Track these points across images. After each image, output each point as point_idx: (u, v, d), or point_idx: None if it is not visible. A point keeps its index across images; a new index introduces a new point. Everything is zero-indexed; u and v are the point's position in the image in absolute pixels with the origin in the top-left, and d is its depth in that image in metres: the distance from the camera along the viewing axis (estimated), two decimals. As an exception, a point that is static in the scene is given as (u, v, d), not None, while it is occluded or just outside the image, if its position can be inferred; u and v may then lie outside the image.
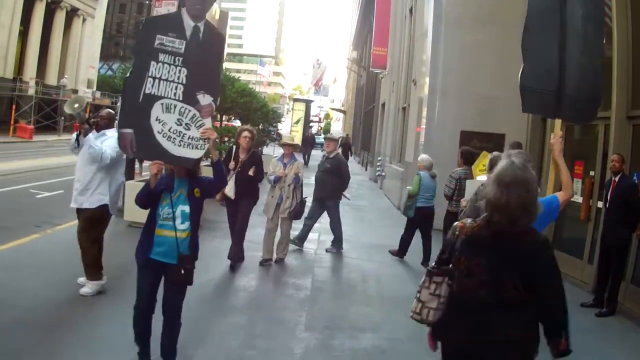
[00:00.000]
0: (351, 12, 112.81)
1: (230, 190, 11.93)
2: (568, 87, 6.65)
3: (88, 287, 9.45)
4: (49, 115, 56.44)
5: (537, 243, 4.27)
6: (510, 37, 16.94)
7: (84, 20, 69.77)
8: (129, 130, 6.78)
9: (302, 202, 13.32)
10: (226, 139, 23.07)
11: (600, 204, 12.14)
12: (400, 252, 14.40)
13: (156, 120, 6.75)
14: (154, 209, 6.83)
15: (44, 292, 9.27)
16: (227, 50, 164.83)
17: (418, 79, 22.88)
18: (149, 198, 6.83)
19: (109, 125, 9.92)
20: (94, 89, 73.90)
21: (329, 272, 12.85)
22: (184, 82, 6.82)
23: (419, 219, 13.92)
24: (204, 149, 6.83)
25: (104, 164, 9.42)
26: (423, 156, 14.65)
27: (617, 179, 10.96)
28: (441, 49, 19.37)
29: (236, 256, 12.27)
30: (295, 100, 69.52)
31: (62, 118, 54.39)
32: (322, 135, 73.62)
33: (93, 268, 9.53)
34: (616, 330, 10.27)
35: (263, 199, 13.06)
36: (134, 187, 15.16)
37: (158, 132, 6.73)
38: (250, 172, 12.03)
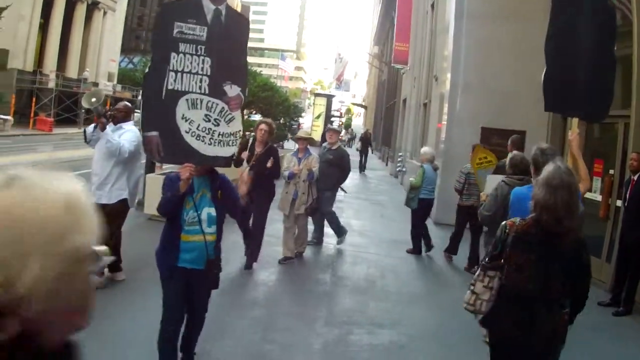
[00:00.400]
0: (373, 7, 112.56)
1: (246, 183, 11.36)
2: (583, 90, 7.37)
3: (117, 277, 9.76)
4: (69, 108, 56.81)
5: (579, 243, 4.75)
6: (531, 33, 16.99)
7: (104, 13, 70.06)
8: (154, 133, 6.21)
9: (318, 199, 13.04)
10: (247, 133, 23.16)
11: (619, 203, 12.10)
12: (427, 246, 14.68)
13: (182, 118, 6.18)
14: (176, 214, 6.34)
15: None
16: (248, 44, 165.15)
17: (439, 74, 22.88)
18: (176, 206, 6.27)
19: (126, 119, 10.02)
20: (115, 82, 74.10)
21: (348, 267, 12.89)
22: (209, 73, 6.26)
23: (422, 210, 14.38)
24: (236, 144, 6.48)
25: (122, 158, 9.48)
26: (426, 149, 15.51)
27: (636, 178, 10.91)
28: (463, 45, 19.35)
29: (253, 258, 11.90)
30: (317, 95, 69.38)
31: (82, 111, 54.60)
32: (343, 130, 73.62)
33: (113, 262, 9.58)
34: (633, 329, 10.23)
35: (278, 196, 12.82)
36: (154, 180, 15.27)
37: (186, 131, 6.19)
38: (269, 164, 11.61)
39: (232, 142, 6.39)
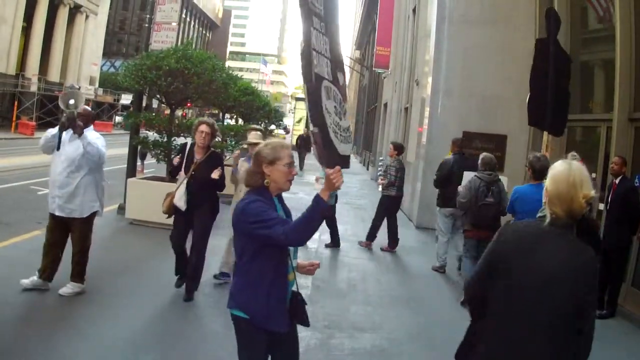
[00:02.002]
0: (354, 11, 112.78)
1: (180, 199, 9.67)
2: (550, 111, 10.41)
3: (69, 288, 9.26)
4: (51, 111, 56.38)
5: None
6: (513, 38, 17.09)
7: (87, 17, 70.08)
8: (315, 130, 4.74)
9: None
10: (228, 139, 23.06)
11: (601, 206, 12.14)
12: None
13: (325, 109, 4.90)
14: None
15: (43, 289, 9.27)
16: (230, 48, 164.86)
17: (421, 79, 22.87)
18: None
19: (87, 125, 9.15)
20: (97, 85, 74.16)
21: (329, 271, 12.83)
22: (329, 56, 5.19)
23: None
24: (351, 141, 5.30)
25: (100, 163, 9.25)
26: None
27: (617, 181, 11.01)
28: (444, 49, 19.35)
29: (192, 290, 9.94)
30: (298, 99, 69.53)
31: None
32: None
33: (83, 271, 9.43)
34: (616, 332, 10.26)
35: (224, 215, 10.97)
36: (136, 184, 15.19)
37: (328, 125, 4.89)
38: (214, 174, 9.54)
39: (350, 139, 5.24)
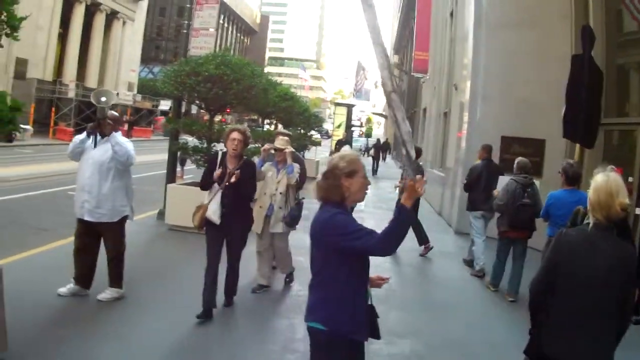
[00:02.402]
0: (392, 16, 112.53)
1: (214, 212, 9.13)
2: (582, 126, 10.74)
3: (107, 293, 9.36)
4: (88, 117, 56.76)
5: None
6: (550, 41, 16.98)
7: (124, 23, 70.96)
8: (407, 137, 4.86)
9: (300, 204, 11.07)
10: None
11: (638, 211, 12.05)
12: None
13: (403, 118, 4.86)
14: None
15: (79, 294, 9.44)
16: (268, 53, 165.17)
17: (459, 83, 22.83)
18: None
19: (114, 130, 9.19)
20: (135, 91, 74.72)
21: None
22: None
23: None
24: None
25: (129, 164, 9.23)
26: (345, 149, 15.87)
27: (656, 185, 10.86)
28: (482, 53, 19.30)
29: (231, 295, 9.90)
30: (337, 104, 69.52)
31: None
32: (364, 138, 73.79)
33: (121, 276, 9.50)
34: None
35: None
36: (175, 190, 15.33)
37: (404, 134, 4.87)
38: (233, 178, 8.98)
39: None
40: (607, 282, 4.69)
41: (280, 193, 10.64)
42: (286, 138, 10.96)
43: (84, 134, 9.17)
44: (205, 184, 9.39)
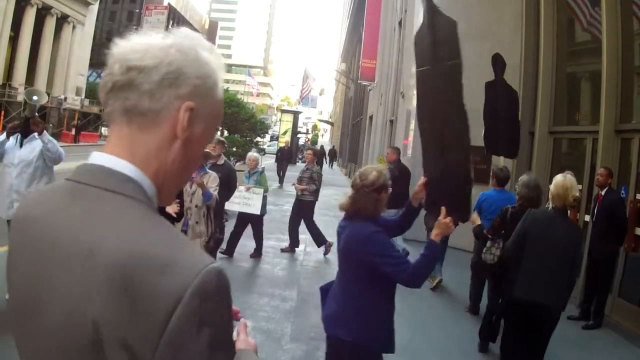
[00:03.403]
0: (340, 24, 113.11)
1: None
2: (503, 139, 11.74)
3: None
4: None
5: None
6: (499, 52, 17.06)
7: (74, 27, 69.98)
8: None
9: (221, 227, 10.68)
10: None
11: (587, 218, 12.18)
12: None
13: None
14: None
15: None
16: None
17: (406, 91, 22.86)
18: None
19: (45, 129, 9.07)
20: (83, 96, 73.87)
21: (315, 283, 12.74)
22: None
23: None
24: None
25: (59, 161, 9.04)
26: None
27: (603, 193, 11.03)
28: (430, 62, 19.34)
29: None
30: (283, 111, 69.67)
31: (51, 125, 54.37)
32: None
33: None
34: (603, 343, 10.29)
35: None
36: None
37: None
38: (169, 209, 7.91)
39: None
40: (564, 247, 6.77)
41: (196, 206, 9.37)
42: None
43: (3, 135, 8.96)
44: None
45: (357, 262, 4.96)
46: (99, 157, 1.59)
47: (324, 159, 55.96)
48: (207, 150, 10.30)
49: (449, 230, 4.96)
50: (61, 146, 8.98)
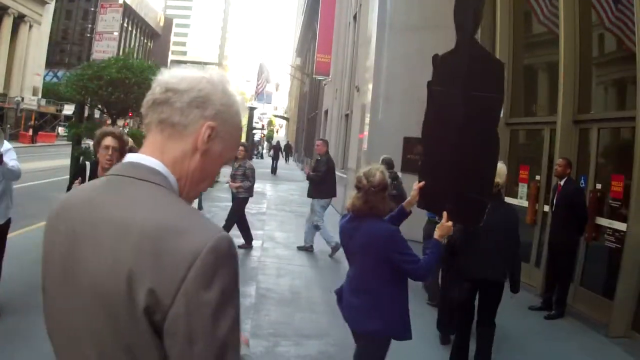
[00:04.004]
0: (295, 19, 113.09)
1: None
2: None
3: None
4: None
5: None
6: (454, 43, 17.03)
7: (30, 26, 69.37)
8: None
9: None
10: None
11: (546, 208, 12.22)
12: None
13: None
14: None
15: None
16: (171, 56, 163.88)
17: (361, 85, 22.83)
18: None
19: None
20: (39, 96, 73.24)
21: (273, 279, 12.63)
22: None
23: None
24: None
25: (19, 177, 8.40)
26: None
27: (562, 183, 11.08)
28: (385, 56, 19.30)
29: None
30: (241, 107, 69.51)
31: (8, 126, 53.80)
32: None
33: None
34: (566, 331, 10.34)
35: None
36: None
37: None
38: None
39: None
40: (503, 229, 7.51)
41: None
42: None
43: None
44: None
45: (378, 257, 5.41)
46: (135, 157, 2.03)
47: (280, 154, 57.28)
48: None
49: (449, 232, 5.65)
50: (19, 147, 8.52)
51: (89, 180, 6.83)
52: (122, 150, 6.95)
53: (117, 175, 1.99)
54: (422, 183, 5.91)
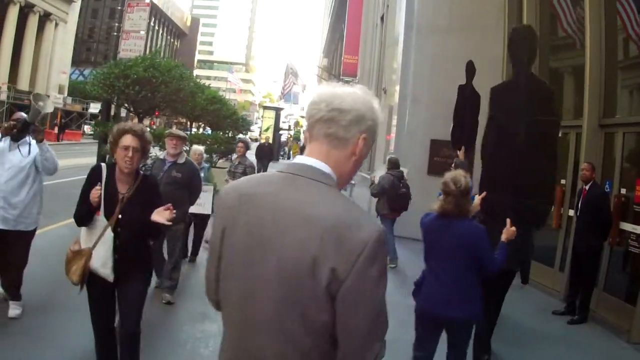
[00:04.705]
0: (322, 20, 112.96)
1: (104, 263, 5.76)
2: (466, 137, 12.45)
3: (18, 308, 8.34)
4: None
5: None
6: (482, 45, 17.00)
7: (56, 25, 69.52)
8: None
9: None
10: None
11: (571, 212, 12.18)
12: None
13: None
14: None
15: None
16: (197, 56, 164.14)
17: (388, 87, 22.88)
18: None
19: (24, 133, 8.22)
20: (65, 94, 73.35)
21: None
22: None
23: None
24: None
25: (55, 172, 8.48)
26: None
27: (587, 188, 11.05)
28: (412, 57, 19.32)
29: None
30: (265, 107, 69.51)
31: (43, 129, 54.07)
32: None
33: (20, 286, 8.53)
34: (589, 337, 10.28)
35: None
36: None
37: None
38: (162, 217, 5.76)
39: None
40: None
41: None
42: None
43: None
44: (82, 216, 5.94)
45: (470, 251, 6.15)
46: (305, 159, 2.65)
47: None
48: (169, 146, 9.90)
49: (513, 235, 6.63)
50: None
51: (106, 184, 5.82)
52: (144, 150, 5.99)
53: (293, 174, 2.61)
54: (484, 194, 7.15)
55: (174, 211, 5.84)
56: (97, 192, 5.71)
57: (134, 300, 6.03)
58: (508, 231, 6.65)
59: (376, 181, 15.49)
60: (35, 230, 8.53)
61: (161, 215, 5.77)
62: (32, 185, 8.34)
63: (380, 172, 17.25)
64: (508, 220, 6.71)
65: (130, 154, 5.72)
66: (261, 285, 2.53)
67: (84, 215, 5.88)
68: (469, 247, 6.17)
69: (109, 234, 5.76)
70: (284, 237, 2.47)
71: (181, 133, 10.44)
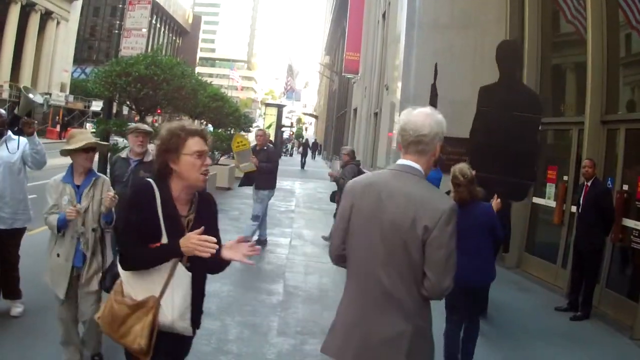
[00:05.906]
0: (324, 17, 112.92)
1: (182, 315, 4.23)
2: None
3: (19, 307, 8.45)
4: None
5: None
6: (483, 42, 17.00)
7: (58, 23, 69.67)
8: None
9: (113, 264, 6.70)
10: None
11: (573, 209, 12.17)
12: None
13: None
14: None
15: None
16: (199, 54, 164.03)
17: (390, 84, 22.84)
18: None
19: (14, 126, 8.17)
20: (67, 92, 73.44)
21: (301, 277, 12.67)
22: None
23: None
24: None
25: (44, 165, 8.32)
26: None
27: (589, 184, 11.07)
28: (414, 54, 19.29)
29: None
30: (267, 105, 69.49)
31: (35, 122, 54.05)
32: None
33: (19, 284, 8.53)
34: (591, 333, 10.30)
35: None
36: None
37: None
38: (235, 255, 4.26)
39: None
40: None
41: (93, 230, 6.67)
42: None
43: None
44: (144, 258, 4.19)
45: (487, 226, 7.65)
46: (405, 162, 4.02)
47: (308, 150, 60.31)
48: (134, 143, 8.91)
49: (500, 207, 8.40)
50: (47, 143, 8.47)
51: (162, 207, 4.15)
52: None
53: (397, 170, 4.04)
54: (499, 200, 8.50)
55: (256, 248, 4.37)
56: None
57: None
58: (497, 204, 8.30)
59: (339, 174, 16.28)
60: (21, 230, 8.46)
61: (236, 252, 4.29)
62: (23, 181, 8.34)
63: (335, 166, 18.03)
64: (495, 196, 8.43)
65: (207, 161, 4.29)
66: (378, 235, 3.93)
67: (147, 256, 4.15)
68: (486, 223, 7.63)
69: (183, 273, 4.23)
70: (393, 206, 3.89)
71: (148, 128, 9.13)
